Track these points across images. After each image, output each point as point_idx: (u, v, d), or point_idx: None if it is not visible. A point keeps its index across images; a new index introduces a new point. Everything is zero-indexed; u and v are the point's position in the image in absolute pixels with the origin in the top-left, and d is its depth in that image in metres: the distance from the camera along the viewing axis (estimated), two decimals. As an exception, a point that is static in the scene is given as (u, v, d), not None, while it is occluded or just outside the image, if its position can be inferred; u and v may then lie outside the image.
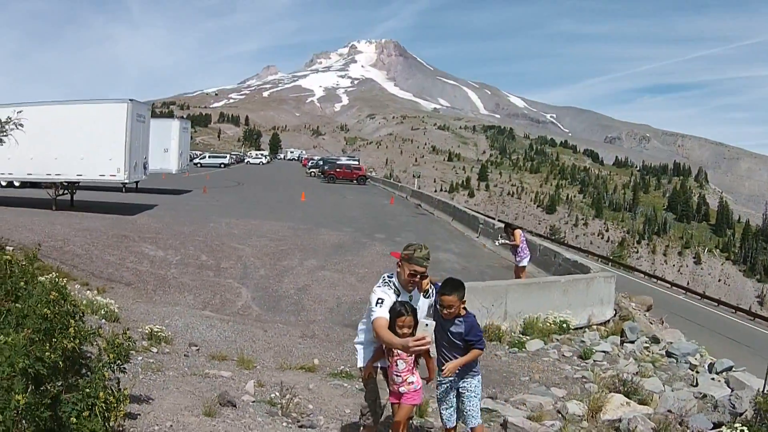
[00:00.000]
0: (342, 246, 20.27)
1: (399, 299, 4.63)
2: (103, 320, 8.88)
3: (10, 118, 9.39)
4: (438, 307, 4.83)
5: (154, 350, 8.11)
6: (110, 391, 4.05)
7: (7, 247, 8.95)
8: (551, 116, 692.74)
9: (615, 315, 14.36)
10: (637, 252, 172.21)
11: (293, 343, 10.31)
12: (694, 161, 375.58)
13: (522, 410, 7.20)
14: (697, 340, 16.21)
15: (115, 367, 4.38)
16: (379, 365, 4.87)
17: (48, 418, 3.57)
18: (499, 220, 18.19)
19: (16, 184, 28.06)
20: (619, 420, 6.60)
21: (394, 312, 4.55)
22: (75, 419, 3.68)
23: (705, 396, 8.15)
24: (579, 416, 7.06)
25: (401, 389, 4.68)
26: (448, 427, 5.21)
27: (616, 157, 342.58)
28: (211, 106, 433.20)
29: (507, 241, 16.08)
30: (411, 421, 5.42)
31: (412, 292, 4.74)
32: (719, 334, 31.98)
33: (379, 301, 4.57)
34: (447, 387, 5.09)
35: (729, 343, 30.36)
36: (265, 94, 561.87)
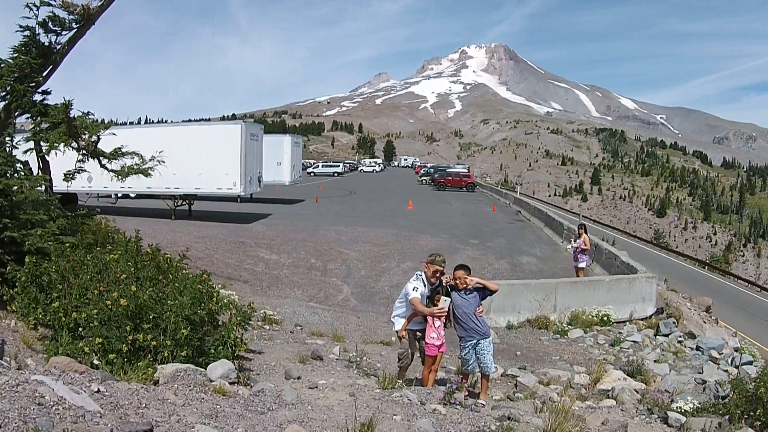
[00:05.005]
0: (437, 250, 21.81)
1: (425, 288, 7.30)
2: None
3: (153, 157, 11.62)
4: (454, 282, 7.27)
5: (267, 327, 10.54)
6: (236, 337, 6.37)
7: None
8: (661, 117, 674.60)
9: (661, 312, 15.72)
10: (743, 255, 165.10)
11: (379, 326, 12.64)
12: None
13: (538, 377, 9.23)
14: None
15: (239, 326, 6.70)
16: (409, 329, 7.45)
17: (197, 346, 5.91)
18: (579, 226, 19.91)
19: (132, 195, 30.17)
20: (611, 390, 8.57)
21: (434, 291, 7.30)
22: (213, 350, 6.02)
23: (705, 382, 9.58)
24: (581, 385, 9.13)
25: (436, 343, 7.18)
26: (466, 373, 7.44)
27: (724, 157, 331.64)
28: (323, 114, 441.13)
29: (575, 245, 17.92)
30: (437, 373, 7.76)
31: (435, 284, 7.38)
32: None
33: (415, 288, 7.28)
34: (469, 348, 7.33)
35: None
36: (378, 101, 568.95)
